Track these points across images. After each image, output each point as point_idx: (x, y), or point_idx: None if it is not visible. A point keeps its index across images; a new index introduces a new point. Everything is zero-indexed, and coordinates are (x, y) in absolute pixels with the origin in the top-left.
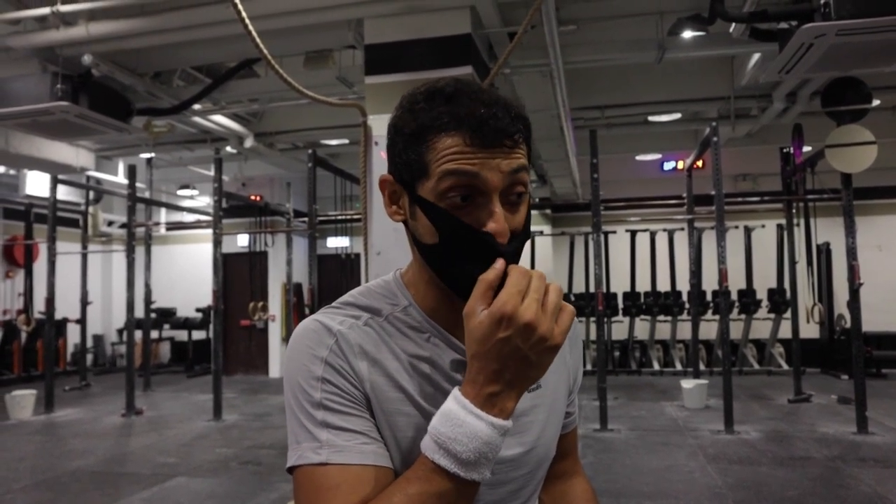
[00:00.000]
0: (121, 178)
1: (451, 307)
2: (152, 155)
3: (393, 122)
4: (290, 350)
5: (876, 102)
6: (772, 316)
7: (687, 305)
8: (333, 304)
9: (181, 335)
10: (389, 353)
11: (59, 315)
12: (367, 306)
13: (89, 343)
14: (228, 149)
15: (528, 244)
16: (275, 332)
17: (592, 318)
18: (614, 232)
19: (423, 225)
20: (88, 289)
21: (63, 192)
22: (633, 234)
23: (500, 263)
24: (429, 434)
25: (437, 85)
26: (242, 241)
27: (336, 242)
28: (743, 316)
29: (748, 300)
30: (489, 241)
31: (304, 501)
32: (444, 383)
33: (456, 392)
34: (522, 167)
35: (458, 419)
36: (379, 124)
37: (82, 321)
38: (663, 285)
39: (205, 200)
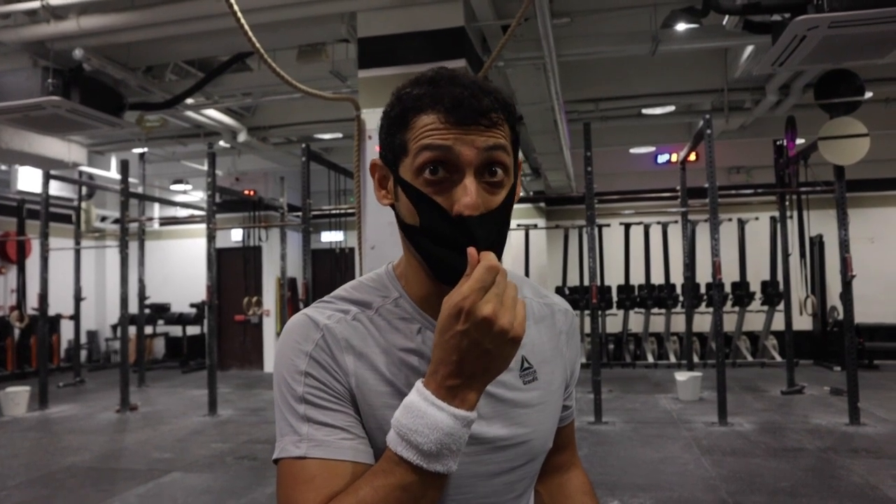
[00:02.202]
0: (113, 174)
1: (439, 294)
2: (145, 150)
3: (384, 110)
4: (278, 344)
5: (869, 95)
6: (765, 308)
7: (681, 298)
8: (325, 298)
9: (175, 330)
10: (377, 347)
11: (52, 311)
12: (357, 300)
13: (83, 339)
14: (221, 143)
15: (521, 238)
16: (269, 326)
17: (587, 312)
18: (608, 225)
19: (405, 205)
20: (82, 284)
21: (55, 188)
22: (627, 227)
23: (472, 253)
24: (392, 426)
25: (424, 72)
26: (236, 235)
27: (330, 237)
28: (736, 308)
29: (742, 292)
30: (460, 225)
31: (282, 493)
32: None
33: (418, 384)
34: (499, 146)
35: (420, 410)
36: (372, 118)
37: (76, 317)
38: (657, 278)
39: (198, 195)
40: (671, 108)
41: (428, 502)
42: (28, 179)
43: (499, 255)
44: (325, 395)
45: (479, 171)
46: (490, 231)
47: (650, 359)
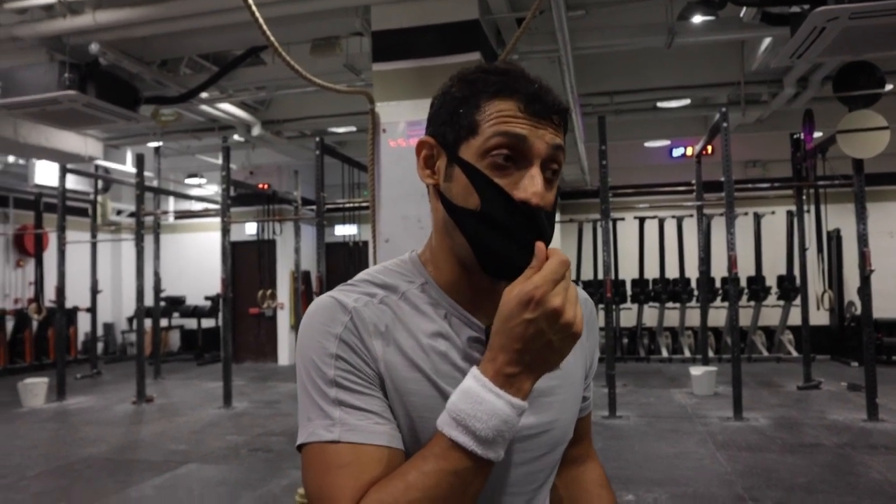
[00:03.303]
0: (129, 167)
1: (469, 282)
2: (160, 143)
3: (443, 91)
4: (304, 326)
5: (889, 87)
6: (781, 303)
7: (696, 292)
8: (350, 281)
9: (191, 323)
10: (405, 331)
11: (69, 304)
12: (383, 283)
13: (100, 331)
14: (236, 137)
15: None
16: (283, 319)
17: (601, 305)
18: (623, 219)
19: (461, 186)
20: (98, 277)
21: (72, 182)
22: (642, 220)
23: (540, 247)
24: (447, 411)
25: (492, 63)
26: (250, 229)
27: (344, 230)
28: (752, 303)
29: (757, 287)
30: (529, 215)
31: (312, 478)
32: (460, 361)
33: (475, 370)
34: (562, 147)
35: (479, 396)
36: (386, 111)
37: (92, 310)
38: (672, 272)
39: (213, 189)
40: (687, 102)
41: (474, 490)
42: (45, 173)
43: None
44: (357, 379)
45: (543, 166)
46: (552, 226)
47: (665, 353)
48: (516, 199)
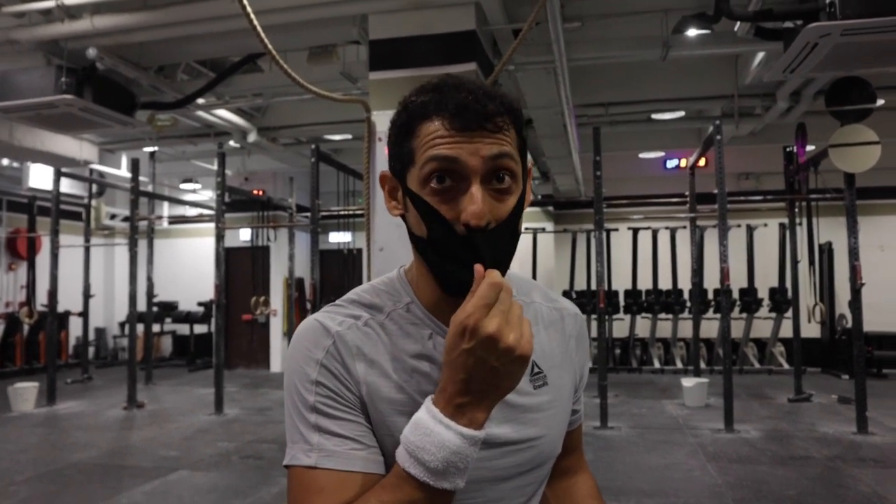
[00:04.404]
0: (124, 172)
1: (448, 301)
2: (155, 148)
3: (392, 119)
4: (290, 349)
5: (880, 102)
6: (773, 315)
7: (688, 304)
8: (337, 301)
9: (183, 329)
10: (388, 353)
11: (61, 308)
12: (370, 303)
13: (91, 336)
14: (231, 143)
15: (529, 241)
16: (276, 326)
17: (594, 316)
18: (616, 229)
19: (413, 216)
20: (91, 282)
21: (66, 185)
22: (636, 231)
23: (478, 270)
24: (401, 442)
25: (429, 80)
26: (245, 235)
27: (338, 237)
28: (744, 315)
29: (749, 299)
30: (466, 241)
31: (292, 500)
32: None
33: (428, 401)
34: (505, 154)
35: (427, 428)
36: (382, 120)
37: (84, 314)
38: (665, 283)
39: (207, 194)
40: (681, 114)
41: None
42: (39, 177)
43: (507, 267)
44: (336, 405)
45: (486, 179)
46: (497, 246)
47: (657, 364)
48: (461, 221)
